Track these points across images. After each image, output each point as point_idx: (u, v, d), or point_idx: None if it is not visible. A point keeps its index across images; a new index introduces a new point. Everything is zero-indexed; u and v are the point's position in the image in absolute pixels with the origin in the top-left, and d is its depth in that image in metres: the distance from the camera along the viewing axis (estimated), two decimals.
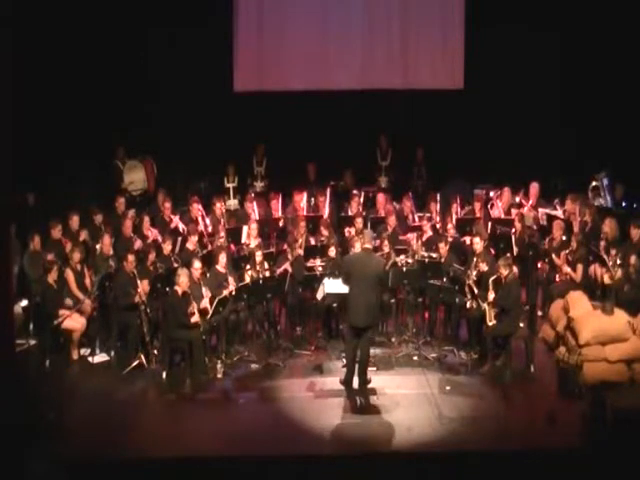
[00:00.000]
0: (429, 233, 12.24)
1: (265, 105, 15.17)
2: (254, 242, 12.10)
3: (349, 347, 9.89)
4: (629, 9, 14.06)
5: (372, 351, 10.88)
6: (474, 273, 10.79)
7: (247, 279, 11.04)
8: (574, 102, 14.79)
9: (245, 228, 12.50)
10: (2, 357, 8.78)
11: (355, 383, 9.83)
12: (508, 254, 11.31)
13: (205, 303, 10.55)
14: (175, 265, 11.12)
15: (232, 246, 12.19)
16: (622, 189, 13.82)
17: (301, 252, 11.67)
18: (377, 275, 9.85)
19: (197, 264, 10.75)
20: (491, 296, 10.37)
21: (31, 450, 8.34)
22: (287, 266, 11.39)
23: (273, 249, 12.16)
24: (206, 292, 10.62)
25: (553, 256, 11.88)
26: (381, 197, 13.78)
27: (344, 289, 9.97)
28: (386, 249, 11.63)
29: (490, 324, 10.34)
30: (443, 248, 11.41)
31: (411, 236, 12.17)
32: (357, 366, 9.81)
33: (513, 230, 12.38)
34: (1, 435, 8.21)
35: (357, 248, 10.33)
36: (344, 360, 10.21)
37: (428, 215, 12.86)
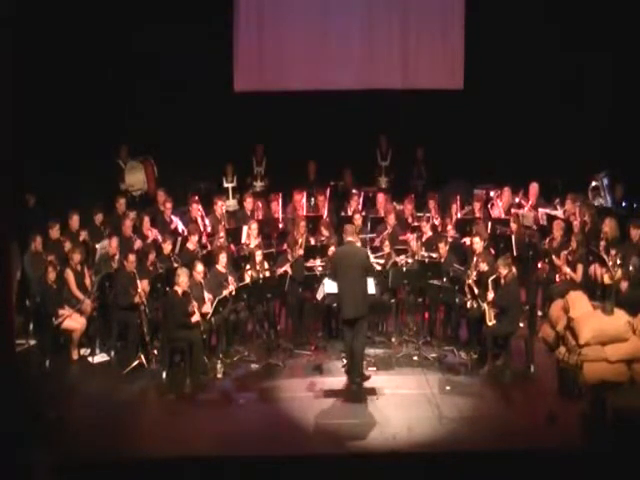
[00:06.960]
0: (429, 233, 12.24)
1: (265, 105, 15.15)
2: (254, 242, 12.11)
3: (346, 340, 10.05)
4: (631, 6, 14.05)
5: (372, 351, 10.95)
6: (474, 273, 10.80)
7: (247, 279, 11.05)
8: (574, 102, 14.77)
9: (245, 228, 12.50)
10: (2, 357, 8.78)
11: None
12: (508, 254, 11.31)
13: (207, 308, 10.56)
14: (175, 265, 11.11)
15: (232, 246, 12.18)
16: (622, 189, 13.81)
17: (301, 252, 11.67)
18: (362, 265, 9.99)
19: (200, 267, 10.73)
20: (490, 296, 10.38)
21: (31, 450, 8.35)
22: (287, 268, 11.39)
23: (273, 249, 12.16)
24: (208, 297, 10.63)
25: (553, 256, 11.88)
26: (381, 197, 13.76)
27: None
28: (386, 249, 11.65)
29: (490, 324, 10.35)
30: (443, 248, 11.42)
31: (411, 236, 12.16)
32: (352, 359, 9.89)
33: (508, 231, 12.38)
34: (1, 435, 8.21)
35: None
36: (344, 360, 10.37)
37: (428, 215, 12.87)
